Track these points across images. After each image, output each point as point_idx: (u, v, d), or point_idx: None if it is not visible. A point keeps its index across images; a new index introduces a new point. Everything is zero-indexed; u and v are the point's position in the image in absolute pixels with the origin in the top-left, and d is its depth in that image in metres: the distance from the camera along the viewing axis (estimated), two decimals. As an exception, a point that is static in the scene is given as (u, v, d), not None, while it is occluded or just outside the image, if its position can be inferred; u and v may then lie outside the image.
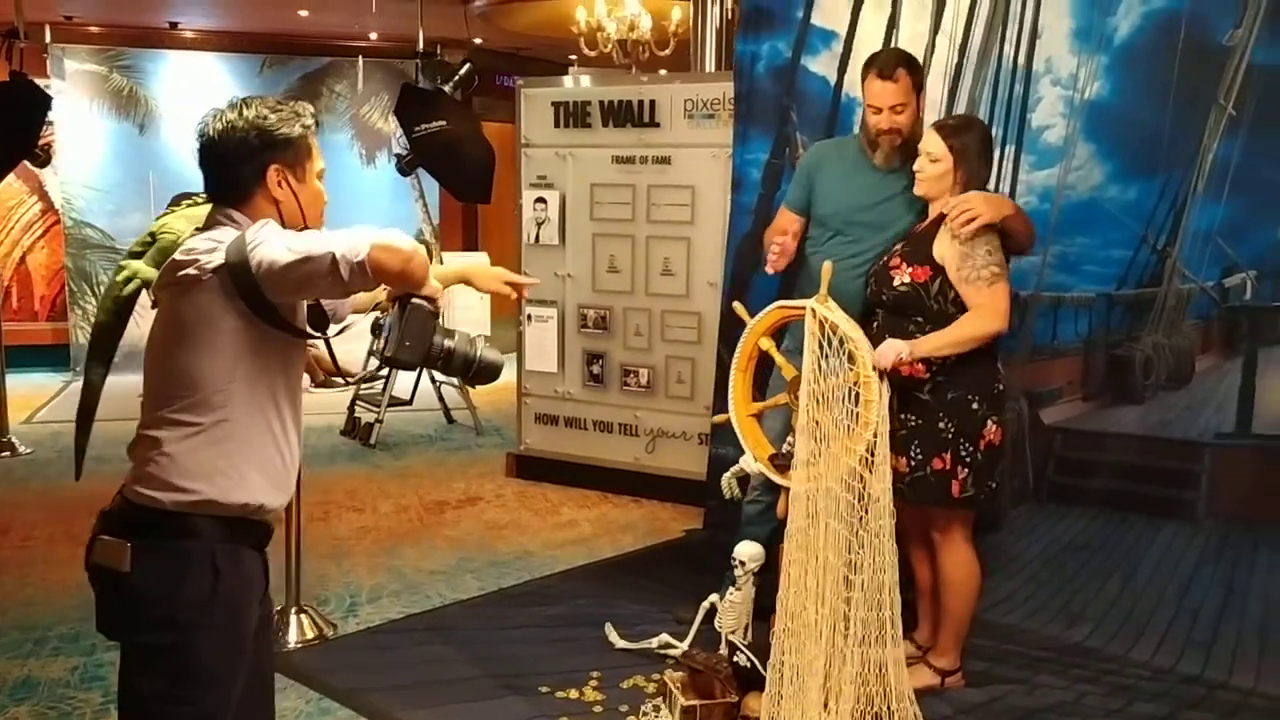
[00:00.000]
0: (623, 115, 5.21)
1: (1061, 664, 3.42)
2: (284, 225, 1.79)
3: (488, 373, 1.98)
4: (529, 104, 5.50)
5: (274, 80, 9.04)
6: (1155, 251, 3.56)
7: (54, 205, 8.86)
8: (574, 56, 8.75)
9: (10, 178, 7.13)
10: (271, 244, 1.66)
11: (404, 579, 4.23)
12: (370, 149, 9.52)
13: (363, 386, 6.93)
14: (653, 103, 5.13)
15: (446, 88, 7.05)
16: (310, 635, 3.63)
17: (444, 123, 6.45)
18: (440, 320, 1.88)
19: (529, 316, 5.55)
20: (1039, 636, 3.60)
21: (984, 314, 2.92)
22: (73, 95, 8.68)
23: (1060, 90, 3.73)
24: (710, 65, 5.63)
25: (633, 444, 5.36)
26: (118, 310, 3.04)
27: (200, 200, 1.94)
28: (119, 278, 2.69)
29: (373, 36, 9.16)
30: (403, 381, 6.94)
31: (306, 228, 1.82)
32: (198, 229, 1.84)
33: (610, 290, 5.33)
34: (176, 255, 1.73)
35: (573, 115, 5.36)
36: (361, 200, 9.78)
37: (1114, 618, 3.55)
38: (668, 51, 7.28)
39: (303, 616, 3.67)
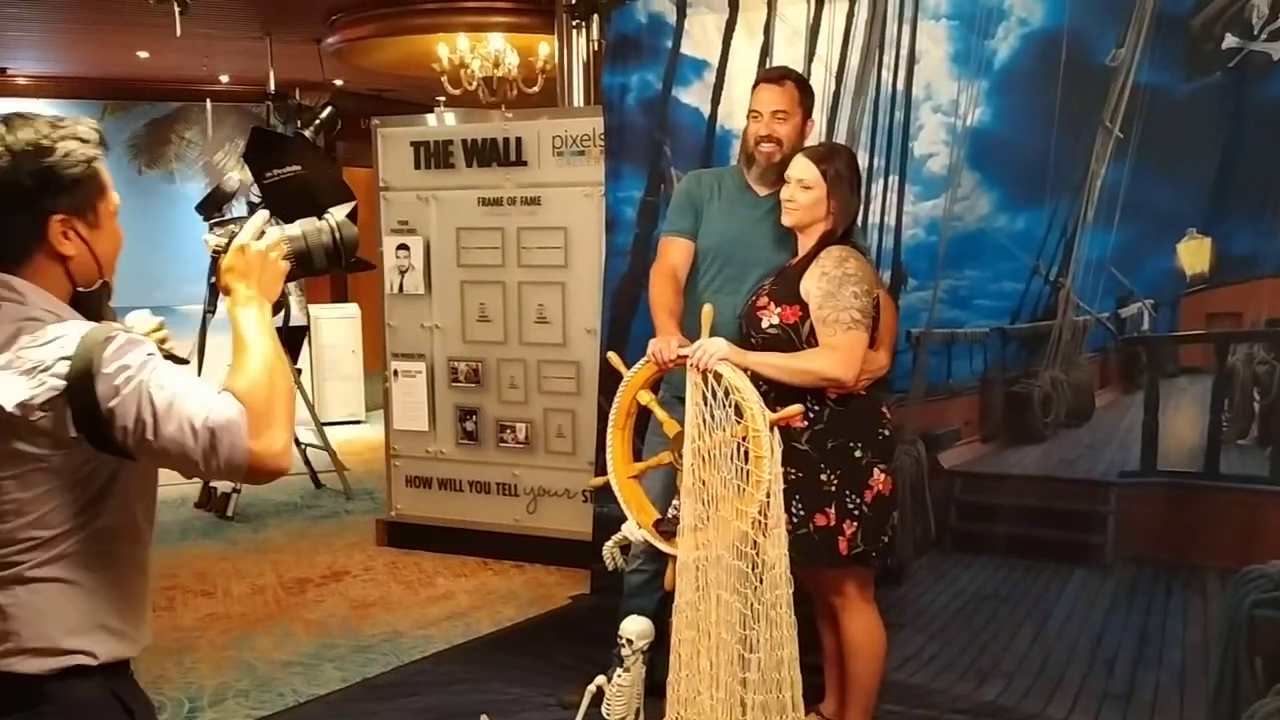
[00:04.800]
0: (488, 154, 4.90)
1: (976, 728, 3.20)
2: (74, 284, 1.47)
3: (353, 245, 1.68)
4: (386, 144, 5.14)
5: (117, 127, 8.39)
6: (1048, 283, 3.40)
7: None
8: (442, 98, 8.42)
9: None
10: None
11: (254, 674, 3.76)
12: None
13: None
14: (519, 140, 4.83)
15: (307, 132, 6.63)
16: (138, 753, 3.15)
17: (298, 168, 6.00)
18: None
19: (395, 372, 5.16)
20: (950, 697, 3.36)
21: (833, 357, 2.67)
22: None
23: (942, 117, 3.56)
24: (579, 100, 5.38)
25: (512, 504, 4.99)
26: None
27: None
28: None
29: (224, 79, 8.65)
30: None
31: (105, 281, 1.51)
32: None
33: (482, 341, 4.97)
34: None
35: (434, 155, 5.02)
36: (219, 253, 9.19)
37: (1027, 672, 3.33)
38: (536, 89, 7.01)
39: (129, 731, 3.18)
